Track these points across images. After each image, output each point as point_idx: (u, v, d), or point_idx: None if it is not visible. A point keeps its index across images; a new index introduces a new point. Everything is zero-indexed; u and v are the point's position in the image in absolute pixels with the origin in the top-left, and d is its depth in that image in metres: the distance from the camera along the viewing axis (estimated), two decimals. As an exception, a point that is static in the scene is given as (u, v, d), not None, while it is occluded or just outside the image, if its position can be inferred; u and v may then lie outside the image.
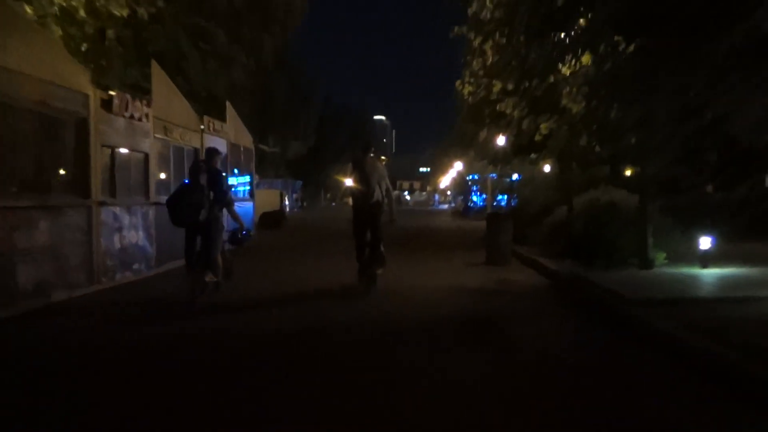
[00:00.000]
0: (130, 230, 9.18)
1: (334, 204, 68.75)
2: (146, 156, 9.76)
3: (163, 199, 10.24)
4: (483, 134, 15.66)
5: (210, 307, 6.88)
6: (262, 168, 49.35)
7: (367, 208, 7.69)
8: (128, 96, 9.27)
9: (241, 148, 15.78)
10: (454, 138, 60.89)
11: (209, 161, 7.29)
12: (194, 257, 6.99)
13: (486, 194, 36.84)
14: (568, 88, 10.47)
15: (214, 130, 13.31)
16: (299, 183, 51.29)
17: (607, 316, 6.51)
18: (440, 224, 28.10)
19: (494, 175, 35.71)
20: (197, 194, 6.86)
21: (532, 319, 6.55)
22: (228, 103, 14.66)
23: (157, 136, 10.28)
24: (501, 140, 21.63)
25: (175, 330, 5.87)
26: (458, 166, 54.19)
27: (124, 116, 9.09)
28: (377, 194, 7.74)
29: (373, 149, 8.02)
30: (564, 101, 10.57)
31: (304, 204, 52.32)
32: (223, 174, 7.41)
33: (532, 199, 16.78)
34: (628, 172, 15.67)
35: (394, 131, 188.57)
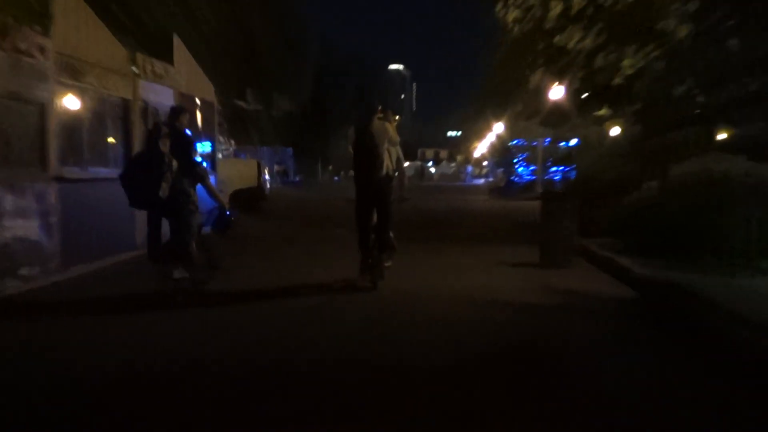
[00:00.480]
0: (14, 218, 7.95)
1: (337, 179, 67.60)
2: (42, 108, 8.50)
3: (73, 172, 9.06)
4: (534, 80, 14.20)
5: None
6: (242, 133, 48.45)
7: (372, 183, 7.80)
8: (10, 19, 7.98)
9: (197, 102, 14.52)
10: (492, 91, 59.30)
11: (173, 121, 7.37)
12: (158, 246, 7.11)
13: (535, 165, 35.42)
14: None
15: (153, 74, 12.05)
16: (289, 151, 50.21)
17: (740, 362, 5.20)
18: (474, 205, 26.84)
19: (548, 140, 34.22)
20: (156, 165, 6.86)
21: (615, 361, 5.49)
22: (176, 38, 13.36)
23: (62, 80, 9.01)
24: (557, 92, 20.38)
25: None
26: (497, 128, 52.85)
27: (1, 48, 7.81)
28: (386, 166, 7.85)
29: (380, 109, 8.13)
30: (661, 23, 8.96)
31: (293, 178, 51.17)
32: (191, 137, 7.56)
33: (599, 172, 15.44)
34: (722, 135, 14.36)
35: (414, 84, 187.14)
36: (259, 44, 30.68)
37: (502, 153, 50.89)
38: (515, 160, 48.23)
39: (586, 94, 14.51)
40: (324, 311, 7.01)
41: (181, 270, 7.17)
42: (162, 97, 12.41)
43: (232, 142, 38.47)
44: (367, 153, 7.80)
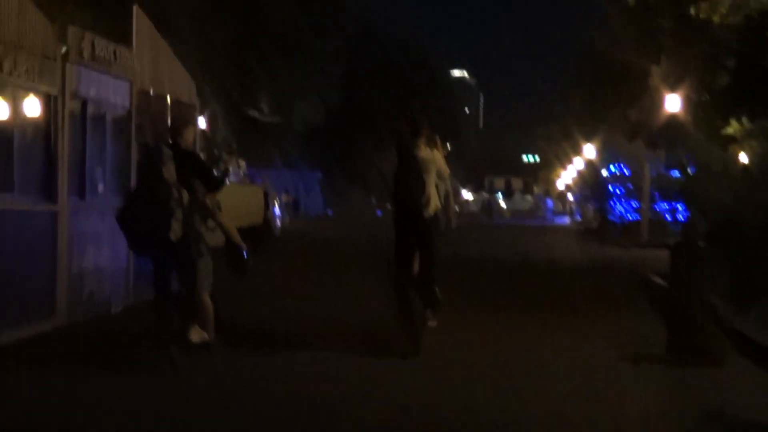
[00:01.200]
0: None
1: (380, 213, 65.66)
2: None
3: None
4: (656, 77, 12.23)
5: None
6: (257, 151, 47.20)
7: (415, 221, 7.93)
8: None
9: (168, 103, 12.83)
10: (583, 101, 56.84)
11: (175, 137, 7.43)
12: (168, 296, 7.25)
13: (638, 201, 33.12)
14: None
15: (97, 59, 10.36)
16: (317, 175, 48.74)
17: None
18: (560, 253, 24.75)
19: (661, 167, 31.76)
20: (164, 200, 6.94)
21: None
22: (137, 12, 11.76)
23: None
24: (673, 102, 19.36)
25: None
26: (587, 152, 50.57)
27: None
28: (433, 201, 8.02)
29: (428, 132, 8.39)
30: None
31: (323, 210, 49.38)
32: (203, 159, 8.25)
33: (747, 211, 13.70)
34: None
35: (481, 95, 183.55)
36: (275, 32, 29.37)
37: (592, 184, 48.55)
38: (610, 195, 45.73)
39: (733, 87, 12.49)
40: (343, 395, 6.53)
41: (196, 329, 7.21)
42: (110, 93, 10.79)
43: (241, 163, 37.19)
44: (411, 183, 7.88)
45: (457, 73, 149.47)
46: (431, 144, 8.52)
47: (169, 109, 12.93)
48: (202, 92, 27.03)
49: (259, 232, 19.98)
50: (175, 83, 13.22)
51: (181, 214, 7.05)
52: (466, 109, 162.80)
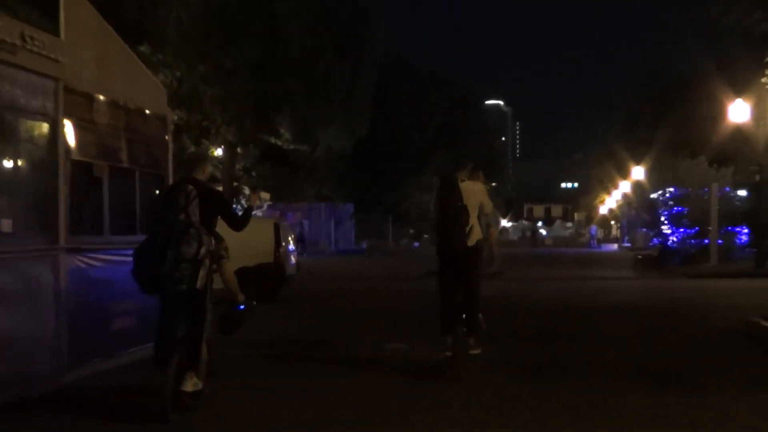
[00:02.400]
0: None
1: (417, 245, 62.38)
2: None
3: None
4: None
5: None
6: (283, 183, 44.31)
7: (459, 254, 8.15)
8: None
9: (123, 112, 9.66)
10: (632, 117, 53.42)
11: (193, 175, 7.08)
12: (173, 346, 6.78)
13: (699, 224, 29.39)
14: None
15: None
16: (349, 208, 45.70)
17: None
18: (618, 288, 21.19)
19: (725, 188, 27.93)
20: (195, 246, 6.68)
21: None
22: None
23: None
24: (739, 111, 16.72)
25: None
26: (636, 174, 46.93)
27: None
28: (476, 233, 8.24)
29: (470, 166, 8.82)
30: None
31: (351, 245, 45.99)
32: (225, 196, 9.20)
33: None
34: None
35: (517, 124, 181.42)
36: (294, 57, 26.28)
37: (645, 207, 44.77)
38: (663, 218, 41.86)
39: None
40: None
41: (193, 378, 6.69)
42: (19, 92, 7.64)
43: (265, 195, 34.16)
44: (455, 215, 8.07)
45: (491, 102, 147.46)
46: (474, 177, 8.77)
47: (124, 124, 9.78)
48: (214, 121, 24.37)
49: (268, 274, 16.76)
50: (135, 89, 10.05)
51: (209, 262, 6.76)
52: (503, 138, 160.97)
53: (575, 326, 12.79)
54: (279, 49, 25.25)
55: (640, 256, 28.36)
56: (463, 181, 8.44)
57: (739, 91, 24.09)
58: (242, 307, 7.46)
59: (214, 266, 7.05)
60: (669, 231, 38.79)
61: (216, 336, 7.62)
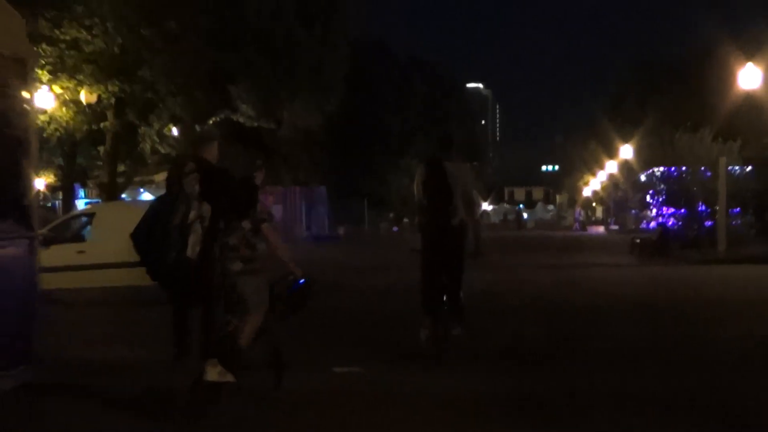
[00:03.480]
0: None
1: (396, 229, 59.29)
2: None
3: None
4: None
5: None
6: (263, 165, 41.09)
7: (443, 233, 8.07)
8: None
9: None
10: (619, 94, 50.56)
11: (199, 153, 7.02)
12: (187, 335, 6.82)
13: (702, 205, 26.52)
14: None
15: None
16: (322, 191, 42.58)
17: None
18: (619, 282, 18.26)
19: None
20: (183, 209, 6.44)
21: None
22: None
23: None
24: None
25: None
26: (624, 152, 44.07)
27: None
28: (460, 213, 8.11)
29: (454, 147, 8.71)
30: None
31: (326, 231, 42.85)
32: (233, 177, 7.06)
33: None
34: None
35: (498, 107, 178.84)
36: (256, 28, 22.96)
37: (634, 188, 41.94)
38: (650, 199, 39.07)
39: None
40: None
41: (219, 368, 6.01)
42: None
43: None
44: (439, 195, 8.04)
45: (471, 84, 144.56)
46: (457, 158, 8.57)
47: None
48: (158, 92, 21.14)
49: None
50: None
51: (201, 229, 6.40)
52: (483, 122, 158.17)
53: (581, 337, 9.70)
54: (232, 12, 22.03)
55: (638, 240, 25.33)
56: (447, 161, 8.24)
57: (749, 56, 21.22)
58: (303, 281, 6.64)
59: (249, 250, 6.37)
60: (655, 212, 36.05)
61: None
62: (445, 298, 8.12)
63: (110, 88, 20.83)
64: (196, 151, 7.08)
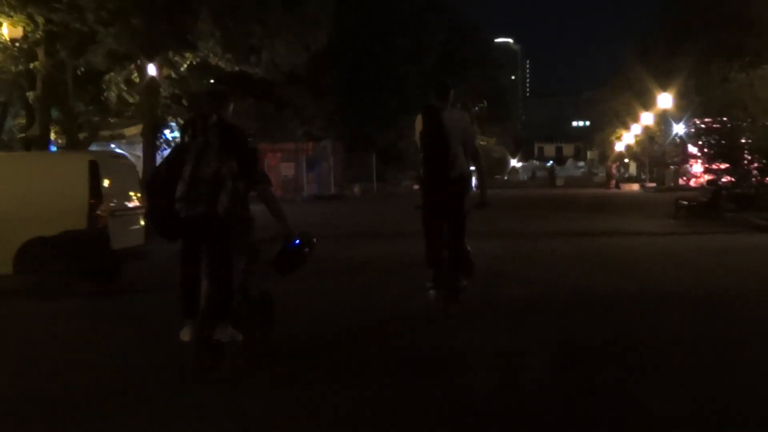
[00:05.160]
0: None
1: (418, 187, 54.54)
2: None
3: None
4: None
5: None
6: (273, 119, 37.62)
7: (443, 185, 7.83)
8: None
9: None
10: (651, 38, 45.30)
11: (218, 109, 6.42)
12: (197, 293, 6.16)
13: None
14: None
15: None
16: (327, 146, 38.17)
17: None
18: (669, 258, 13.74)
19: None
20: (214, 166, 6.01)
21: None
22: None
23: None
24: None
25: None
26: (663, 102, 38.93)
27: None
28: (459, 163, 7.81)
29: (451, 94, 8.10)
30: None
31: (327, 190, 38.68)
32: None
33: None
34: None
35: (527, 62, 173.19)
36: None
37: (672, 142, 37.02)
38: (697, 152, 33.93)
39: None
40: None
41: (227, 328, 5.96)
42: None
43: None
44: (437, 147, 7.75)
45: (500, 39, 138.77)
46: (458, 108, 8.97)
47: None
48: (86, 21, 16.84)
49: (77, 242, 9.40)
50: None
51: (231, 185, 6.02)
52: (513, 77, 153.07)
53: (634, 348, 6.41)
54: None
55: (684, 202, 20.50)
56: (446, 111, 7.80)
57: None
58: (298, 242, 6.43)
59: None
60: (702, 168, 31.09)
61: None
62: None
63: (36, 19, 16.56)
64: (213, 107, 6.49)
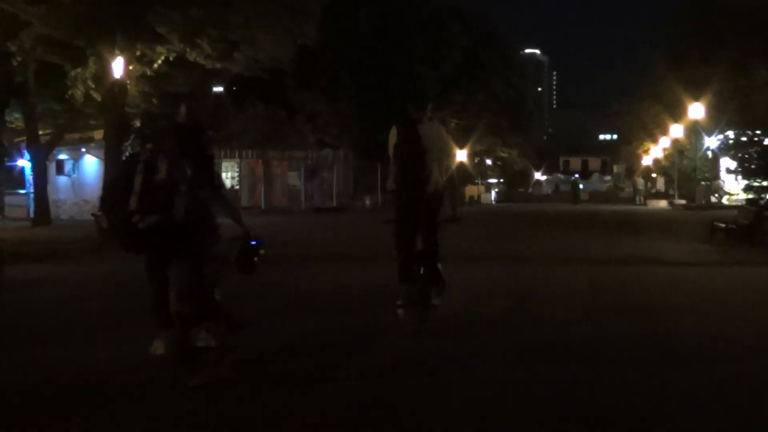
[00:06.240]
0: None
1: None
2: None
3: None
4: None
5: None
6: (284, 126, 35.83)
7: (417, 201, 7.67)
8: None
9: None
10: (681, 46, 42.53)
11: (189, 112, 6.51)
12: (165, 298, 6.25)
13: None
14: None
15: None
16: (326, 155, 35.81)
17: None
18: (715, 305, 10.53)
19: None
20: (164, 169, 5.98)
21: None
22: None
23: None
24: None
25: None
26: (695, 112, 35.79)
27: None
28: (435, 179, 7.65)
29: (432, 107, 7.91)
30: None
31: (322, 202, 36.33)
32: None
33: None
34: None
35: (555, 73, 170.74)
36: None
37: (704, 156, 33.92)
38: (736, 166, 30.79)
39: None
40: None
41: (204, 333, 5.96)
42: None
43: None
44: (413, 161, 7.57)
45: (528, 50, 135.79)
46: (435, 122, 7.78)
47: None
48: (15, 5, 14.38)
49: None
50: None
51: (187, 188, 5.94)
52: (539, 89, 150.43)
53: None
54: None
55: (721, 224, 17.42)
56: (422, 123, 7.57)
57: None
58: (256, 242, 6.51)
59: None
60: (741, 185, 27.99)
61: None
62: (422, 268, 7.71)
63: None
64: (189, 109, 6.47)
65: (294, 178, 37.72)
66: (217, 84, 34.66)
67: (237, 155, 38.00)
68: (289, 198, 35.66)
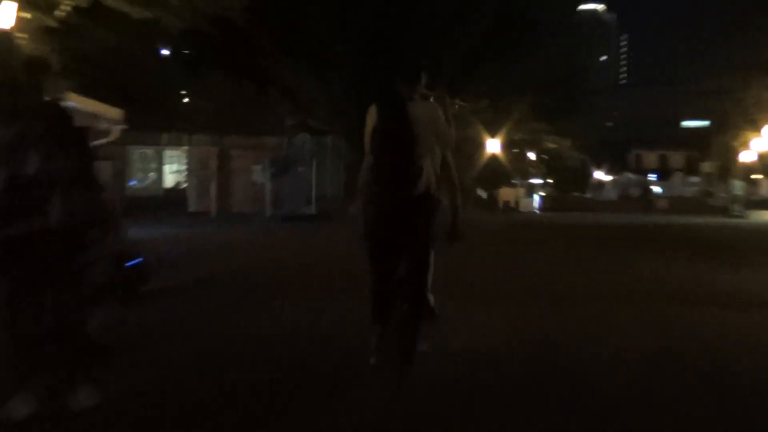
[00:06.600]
0: None
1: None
2: None
3: None
4: None
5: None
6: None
7: (402, 206, 7.64)
8: None
9: None
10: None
11: (32, 83, 6.70)
12: (36, 337, 6.54)
13: None
14: None
15: None
16: (303, 138, 35.70)
17: None
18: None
19: None
20: (32, 160, 6.31)
21: None
22: None
23: None
24: None
25: None
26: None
27: None
28: (426, 177, 7.69)
29: (429, 81, 8.14)
30: None
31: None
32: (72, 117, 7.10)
33: None
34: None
35: (624, 38, 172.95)
36: None
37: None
38: None
39: None
40: None
41: (88, 387, 6.43)
42: None
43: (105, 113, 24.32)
44: (396, 150, 7.60)
45: (587, 6, 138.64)
46: (432, 97, 8.07)
47: None
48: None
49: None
50: None
51: (68, 189, 6.29)
52: (603, 57, 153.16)
53: None
54: None
55: None
56: (414, 102, 7.62)
57: None
58: (141, 259, 7.47)
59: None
60: None
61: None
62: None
63: None
64: (30, 77, 6.64)
65: (257, 174, 37.33)
66: (163, 45, 34.74)
67: (184, 141, 37.88)
68: (253, 201, 35.51)
